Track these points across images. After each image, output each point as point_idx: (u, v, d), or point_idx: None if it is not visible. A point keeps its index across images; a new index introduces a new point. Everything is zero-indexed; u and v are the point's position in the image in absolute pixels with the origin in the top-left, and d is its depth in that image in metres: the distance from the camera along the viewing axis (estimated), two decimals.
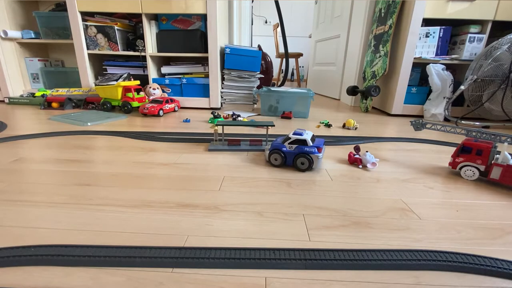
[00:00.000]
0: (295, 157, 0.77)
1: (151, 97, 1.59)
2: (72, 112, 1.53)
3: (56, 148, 0.91)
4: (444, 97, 1.53)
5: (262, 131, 1.23)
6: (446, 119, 1.55)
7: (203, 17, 1.64)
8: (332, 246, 0.45)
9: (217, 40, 1.58)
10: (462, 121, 1.48)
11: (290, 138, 0.79)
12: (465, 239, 0.48)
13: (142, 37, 1.64)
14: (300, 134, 0.78)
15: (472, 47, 1.52)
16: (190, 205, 0.57)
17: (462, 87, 1.45)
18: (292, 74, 5.22)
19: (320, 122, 1.42)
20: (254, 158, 0.87)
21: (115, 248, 0.42)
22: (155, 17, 1.67)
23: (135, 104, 1.50)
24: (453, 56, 1.56)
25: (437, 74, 1.51)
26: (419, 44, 1.56)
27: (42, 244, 0.43)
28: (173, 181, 0.68)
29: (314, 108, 1.92)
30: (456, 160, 0.77)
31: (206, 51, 1.64)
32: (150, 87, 1.61)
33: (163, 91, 1.69)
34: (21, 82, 1.86)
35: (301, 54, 3.33)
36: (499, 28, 1.55)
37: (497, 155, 0.71)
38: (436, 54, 1.58)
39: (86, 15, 1.62)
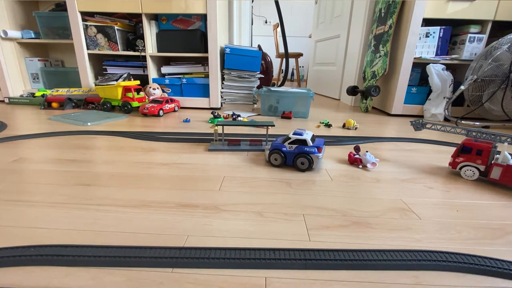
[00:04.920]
0: (295, 157, 0.77)
1: (151, 97, 1.59)
2: (72, 112, 1.53)
3: (56, 148, 0.91)
4: (444, 97, 1.53)
5: (262, 131, 1.23)
6: (446, 119, 1.55)
7: (203, 17, 1.64)
8: (332, 246, 0.45)
9: (217, 40, 1.58)
10: (462, 121, 1.48)
11: (290, 138, 0.79)
12: (465, 239, 0.48)
13: (142, 37, 1.64)
14: (300, 134, 0.78)
15: (472, 47, 1.52)
16: (190, 205, 0.57)
17: (462, 87, 1.45)
18: (292, 74, 5.22)
19: (320, 122, 1.42)
20: (254, 158, 0.87)
21: (115, 248, 0.42)
22: (155, 17, 1.67)
23: (135, 104, 1.50)
24: (453, 56, 1.56)
25: (437, 74, 1.51)
26: (419, 44, 1.56)
27: (42, 244, 0.43)
28: (173, 181, 0.68)
29: (314, 108, 1.92)
30: (456, 160, 0.77)
31: (206, 51, 1.64)
32: (150, 87, 1.61)
33: (163, 91, 1.69)
34: (21, 82, 1.86)
35: (301, 54, 3.33)
36: (499, 28, 1.55)
37: (497, 155, 0.71)
38: (436, 54, 1.58)
39: (86, 15, 1.62)
